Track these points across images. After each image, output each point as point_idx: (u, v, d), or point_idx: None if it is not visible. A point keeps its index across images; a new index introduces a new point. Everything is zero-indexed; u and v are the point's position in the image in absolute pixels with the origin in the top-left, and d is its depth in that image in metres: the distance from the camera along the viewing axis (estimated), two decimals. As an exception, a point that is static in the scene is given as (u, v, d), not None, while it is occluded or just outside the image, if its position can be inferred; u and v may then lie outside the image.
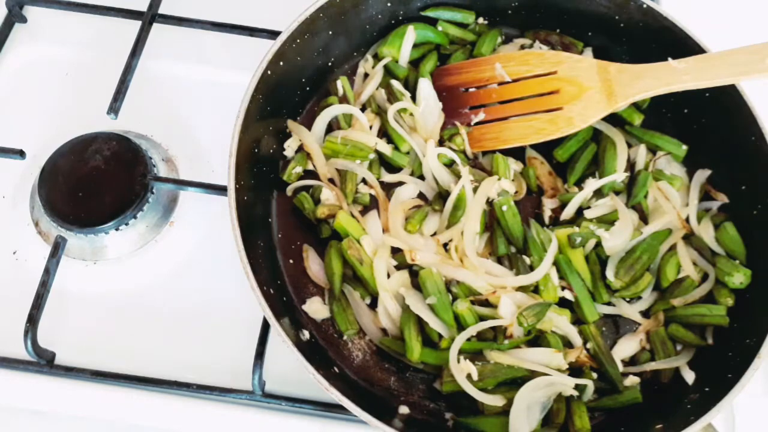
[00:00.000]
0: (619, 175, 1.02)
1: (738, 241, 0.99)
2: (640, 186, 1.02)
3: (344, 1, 1.02)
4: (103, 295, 1.02)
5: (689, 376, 0.94)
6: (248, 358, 0.92)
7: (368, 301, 0.97)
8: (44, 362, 0.95)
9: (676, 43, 1.01)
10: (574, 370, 0.93)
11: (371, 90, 1.08)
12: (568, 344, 0.95)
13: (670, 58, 0.96)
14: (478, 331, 0.92)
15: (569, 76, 1.02)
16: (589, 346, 0.96)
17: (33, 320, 0.93)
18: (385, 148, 1.04)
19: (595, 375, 0.94)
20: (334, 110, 1.04)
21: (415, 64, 1.12)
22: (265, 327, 0.94)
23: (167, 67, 1.18)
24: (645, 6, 1.03)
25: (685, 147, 1.06)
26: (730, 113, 0.99)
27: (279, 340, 0.81)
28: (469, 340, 0.91)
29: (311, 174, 1.04)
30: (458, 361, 0.90)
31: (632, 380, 0.95)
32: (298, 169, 1.02)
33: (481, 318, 0.93)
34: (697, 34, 1.01)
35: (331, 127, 1.05)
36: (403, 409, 0.92)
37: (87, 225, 1.00)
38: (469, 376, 0.89)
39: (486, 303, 0.95)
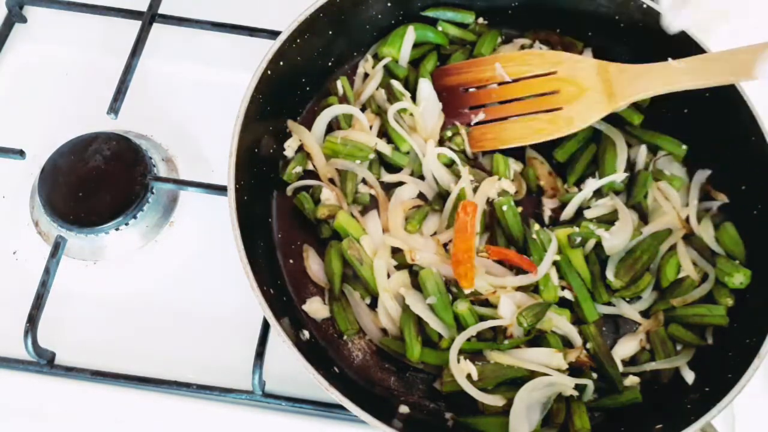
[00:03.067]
0: (619, 175, 1.02)
1: (738, 241, 0.99)
2: (640, 186, 1.02)
3: (344, 1, 1.02)
4: (103, 295, 1.02)
5: (689, 376, 0.94)
6: (248, 358, 0.92)
7: (368, 301, 0.97)
8: (44, 362, 0.95)
9: (676, 43, 1.01)
10: (574, 370, 0.93)
11: (371, 90, 1.08)
12: (568, 344, 0.95)
13: (670, 58, 0.96)
14: (478, 331, 0.92)
15: (569, 76, 1.02)
16: (589, 346, 0.95)
17: (33, 320, 0.93)
18: (385, 148, 1.04)
19: (595, 375, 0.94)
20: (334, 110, 1.04)
21: (415, 64, 1.11)
22: (265, 327, 0.94)
23: (167, 67, 1.18)
24: (645, 6, 1.03)
25: (685, 147, 1.06)
26: (730, 113, 0.99)
27: (279, 340, 0.81)
28: (469, 340, 0.91)
29: (311, 174, 1.04)
30: (458, 361, 0.90)
31: (632, 380, 0.95)
32: (298, 169, 1.02)
33: (481, 318, 0.93)
34: (697, 34, 1.01)
35: (331, 127, 1.05)
36: (403, 409, 0.92)
37: (87, 225, 1.00)
38: (469, 376, 0.89)
39: (486, 303, 0.95)
